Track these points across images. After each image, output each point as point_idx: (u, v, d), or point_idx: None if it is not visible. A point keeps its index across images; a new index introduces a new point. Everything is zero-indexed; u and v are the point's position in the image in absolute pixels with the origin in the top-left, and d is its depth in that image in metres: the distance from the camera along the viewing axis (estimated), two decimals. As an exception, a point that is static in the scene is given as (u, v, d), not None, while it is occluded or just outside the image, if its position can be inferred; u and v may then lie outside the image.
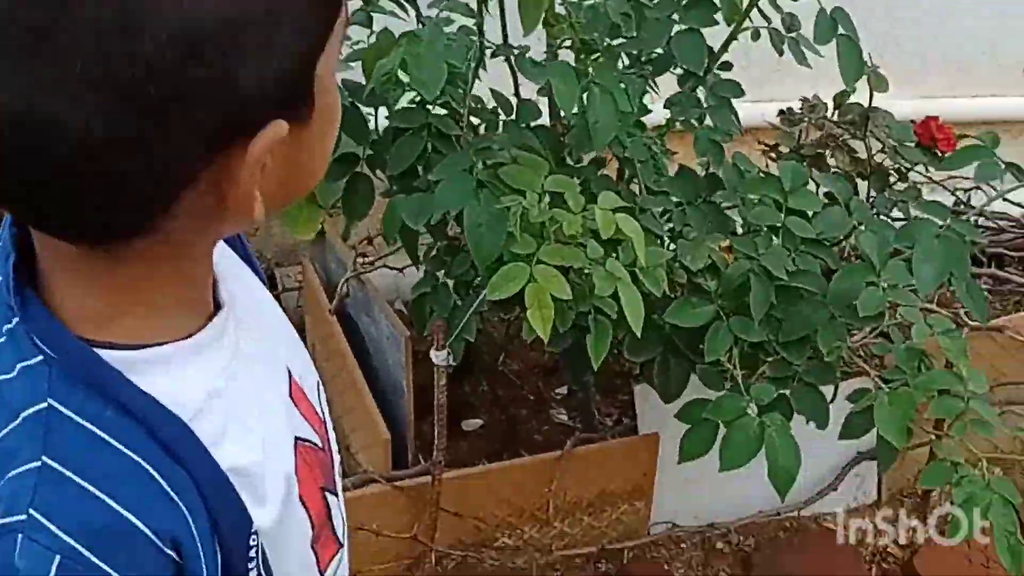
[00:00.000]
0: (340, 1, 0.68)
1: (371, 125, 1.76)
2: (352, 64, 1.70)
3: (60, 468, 0.66)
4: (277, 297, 2.33)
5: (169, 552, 0.67)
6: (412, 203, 1.64)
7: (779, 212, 1.73)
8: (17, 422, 0.67)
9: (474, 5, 1.48)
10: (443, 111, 1.72)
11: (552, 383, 2.42)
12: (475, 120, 1.76)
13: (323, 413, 0.89)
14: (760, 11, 1.76)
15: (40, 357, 0.68)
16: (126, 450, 0.67)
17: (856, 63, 1.73)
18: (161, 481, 0.68)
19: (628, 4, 1.57)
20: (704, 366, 1.76)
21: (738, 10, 1.76)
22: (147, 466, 0.68)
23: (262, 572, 0.74)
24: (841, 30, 1.69)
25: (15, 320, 0.69)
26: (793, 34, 1.80)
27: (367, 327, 2.09)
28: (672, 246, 1.73)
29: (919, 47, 2.52)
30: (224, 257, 0.82)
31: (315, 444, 0.85)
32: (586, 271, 1.55)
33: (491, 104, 1.80)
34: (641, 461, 1.99)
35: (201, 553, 0.69)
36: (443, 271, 1.87)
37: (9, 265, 0.70)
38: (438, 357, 1.75)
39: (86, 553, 0.64)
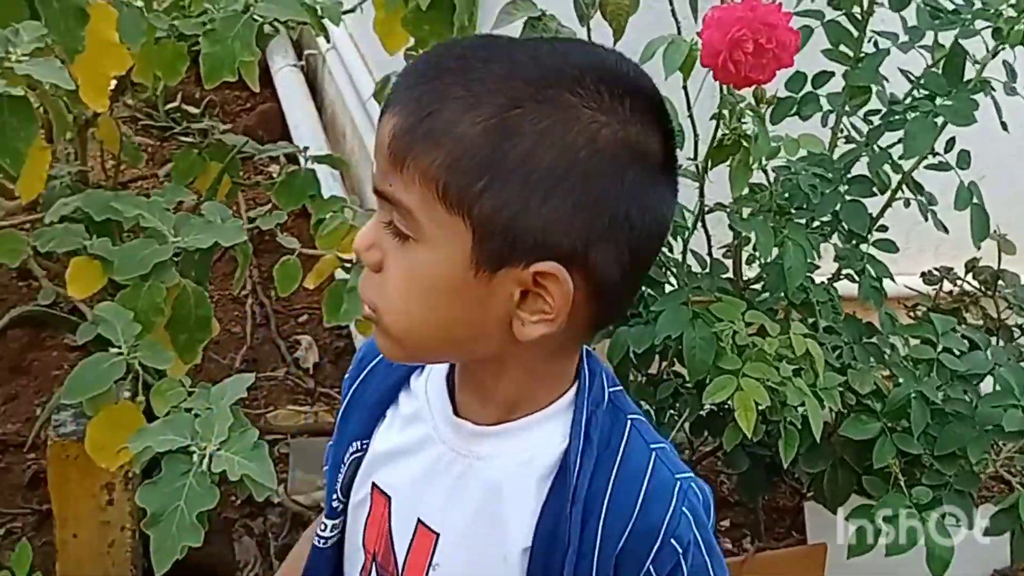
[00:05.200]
0: None
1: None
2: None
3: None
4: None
5: None
6: (635, 333, 2.06)
7: (933, 349, 2.12)
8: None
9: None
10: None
11: (718, 517, 2.77)
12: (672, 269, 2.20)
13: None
14: (908, 187, 2.18)
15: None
16: None
17: (984, 227, 2.13)
18: None
19: (814, 176, 2.01)
20: (869, 476, 2.13)
21: (886, 186, 2.19)
22: None
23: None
24: (975, 200, 2.10)
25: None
26: (934, 207, 2.21)
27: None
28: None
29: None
30: None
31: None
32: (778, 387, 1.94)
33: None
34: (812, 567, 2.33)
35: None
36: (644, 401, 2.27)
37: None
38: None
39: None
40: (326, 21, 2.63)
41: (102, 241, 2.37)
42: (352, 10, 2.58)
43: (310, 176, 2.77)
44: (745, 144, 1.73)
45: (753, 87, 1.76)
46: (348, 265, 2.51)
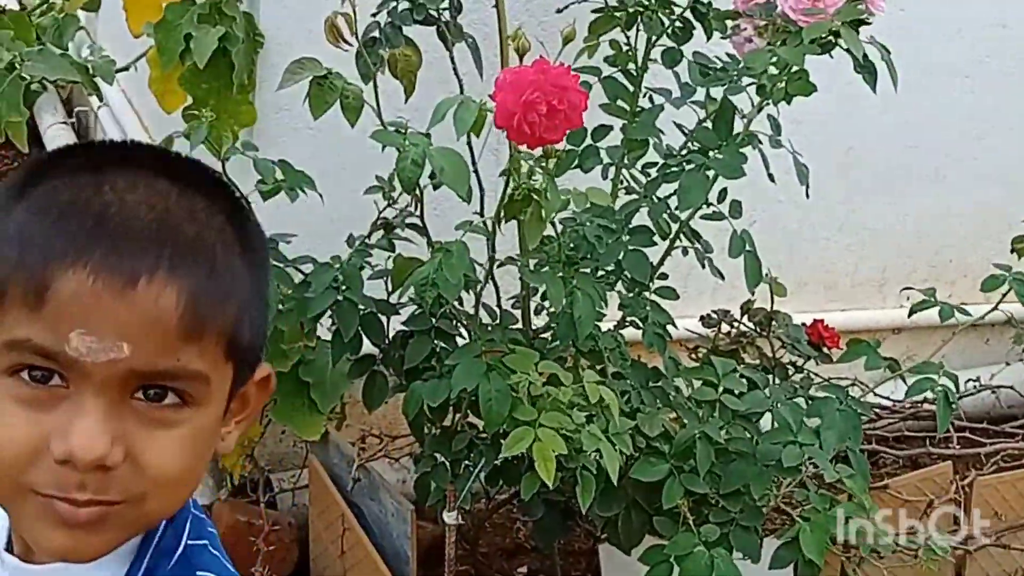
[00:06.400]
0: None
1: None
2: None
3: None
4: (272, 499, 2.72)
5: None
6: (429, 387, 2.08)
7: (715, 391, 2.20)
8: None
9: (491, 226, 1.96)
10: (443, 319, 2.19)
11: (514, 563, 2.80)
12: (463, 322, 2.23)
13: None
14: (685, 236, 2.27)
15: None
16: None
17: (757, 273, 2.24)
18: None
19: (599, 228, 2.07)
20: (660, 517, 2.19)
21: (666, 234, 2.27)
22: None
23: None
24: (747, 247, 2.21)
25: None
26: (710, 254, 2.31)
27: (371, 508, 2.46)
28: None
29: (792, 269, 3.09)
30: None
31: None
32: (573, 435, 1.98)
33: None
34: (608, 609, 2.38)
35: None
36: (439, 453, 2.28)
37: None
38: (449, 517, 2.15)
39: None
40: (99, 80, 2.57)
41: None
42: (126, 68, 2.53)
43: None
44: (536, 198, 1.78)
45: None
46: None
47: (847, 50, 1.92)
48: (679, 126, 2.26)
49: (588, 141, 2.31)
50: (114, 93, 3.42)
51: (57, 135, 3.81)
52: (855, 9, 1.85)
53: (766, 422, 2.28)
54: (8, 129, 2.40)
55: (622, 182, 2.35)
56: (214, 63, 2.39)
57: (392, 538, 2.40)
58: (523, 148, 1.94)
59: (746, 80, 2.07)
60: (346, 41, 1.88)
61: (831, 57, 1.96)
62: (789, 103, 2.03)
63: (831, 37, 1.89)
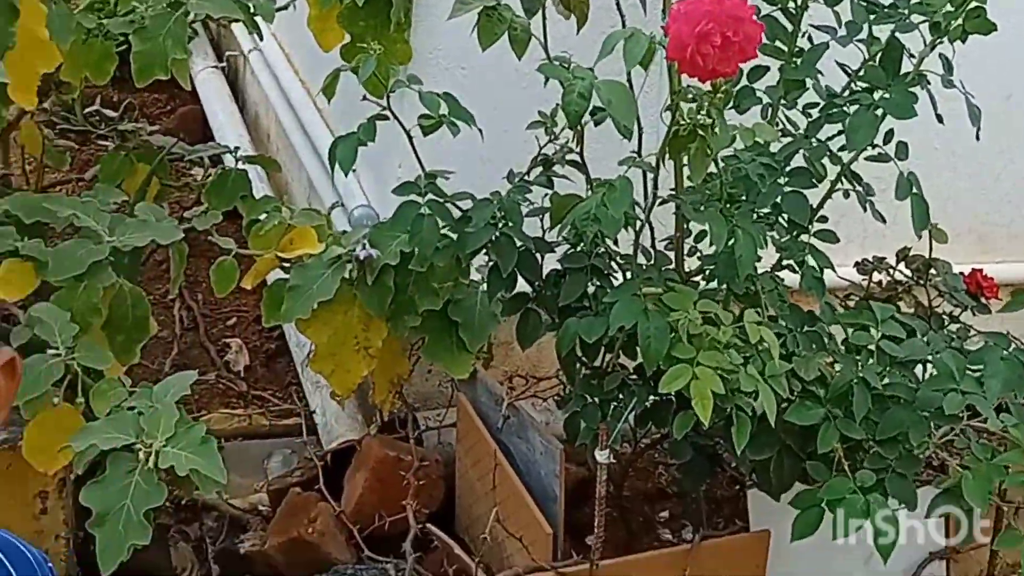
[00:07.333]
0: None
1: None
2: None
3: None
4: (419, 436, 2.75)
5: None
6: (585, 324, 2.08)
7: (873, 336, 2.16)
8: None
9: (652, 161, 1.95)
10: (597, 258, 2.19)
11: (656, 508, 2.80)
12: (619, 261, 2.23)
13: None
14: (846, 178, 2.23)
15: None
16: None
17: (924, 215, 2.19)
18: None
19: (760, 166, 2.04)
20: (813, 461, 2.16)
21: (821, 177, 2.23)
22: None
23: None
24: (914, 190, 2.16)
25: None
26: (872, 197, 2.26)
27: (518, 446, 2.48)
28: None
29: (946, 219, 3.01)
30: None
31: None
32: (731, 375, 1.97)
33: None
34: (756, 554, 2.36)
35: None
36: (590, 393, 2.29)
37: None
38: (601, 455, 2.15)
39: None
40: (258, 19, 2.61)
41: (35, 242, 2.33)
42: (286, 7, 2.57)
43: (242, 177, 2.75)
44: (703, 134, 1.76)
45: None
46: (286, 265, 2.49)
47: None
48: (842, 66, 2.21)
49: (743, 81, 2.28)
50: (265, 37, 3.47)
51: (208, 78, 3.89)
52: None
53: (918, 372, 2.24)
54: (173, 66, 2.45)
55: (777, 124, 2.32)
56: (372, 1, 2.41)
57: (539, 477, 2.41)
58: (687, 84, 1.93)
59: (916, 18, 2.02)
60: (518, -28, 1.88)
61: (1009, -6, 1.90)
62: (964, 41, 1.98)
63: (1012, -29, 1.83)
